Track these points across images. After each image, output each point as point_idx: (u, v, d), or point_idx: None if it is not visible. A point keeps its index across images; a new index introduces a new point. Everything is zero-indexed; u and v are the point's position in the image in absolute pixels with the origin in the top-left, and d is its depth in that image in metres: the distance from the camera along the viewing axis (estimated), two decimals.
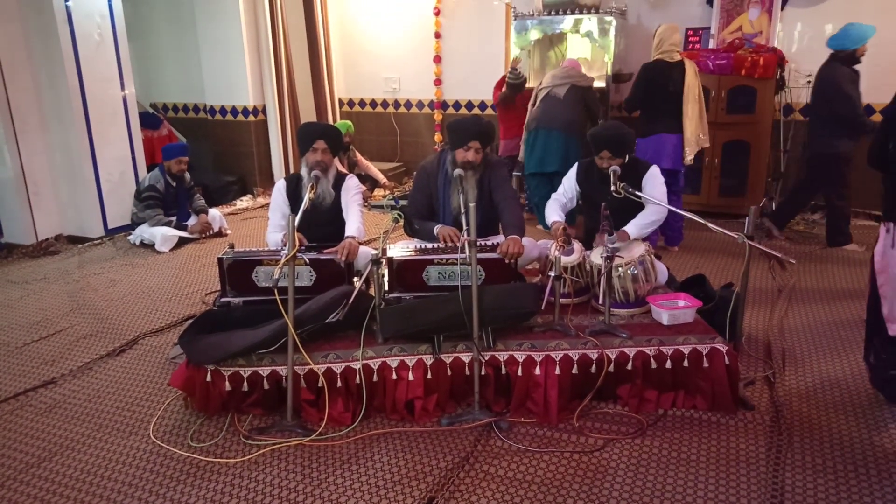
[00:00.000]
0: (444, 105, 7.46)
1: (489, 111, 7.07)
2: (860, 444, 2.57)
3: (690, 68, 4.77)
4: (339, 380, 2.75)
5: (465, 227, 2.84)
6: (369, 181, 6.80)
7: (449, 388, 2.84)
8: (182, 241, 5.45)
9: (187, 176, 5.64)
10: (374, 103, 7.85)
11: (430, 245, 3.33)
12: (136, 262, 5.08)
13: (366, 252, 3.32)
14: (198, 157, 6.86)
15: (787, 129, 5.86)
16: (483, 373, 2.78)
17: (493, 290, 2.83)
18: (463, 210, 2.94)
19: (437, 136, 7.52)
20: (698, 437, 2.63)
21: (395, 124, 7.75)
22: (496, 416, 2.76)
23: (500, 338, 2.84)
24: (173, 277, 4.72)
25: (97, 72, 5.54)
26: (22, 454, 2.66)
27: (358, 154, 6.90)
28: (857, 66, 4.76)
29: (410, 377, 2.76)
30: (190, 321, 3.32)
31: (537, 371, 2.75)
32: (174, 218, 5.52)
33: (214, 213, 5.83)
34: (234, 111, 7.08)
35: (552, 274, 2.91)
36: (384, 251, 3.07)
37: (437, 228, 3.44)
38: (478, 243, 2.74)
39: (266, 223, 3.73)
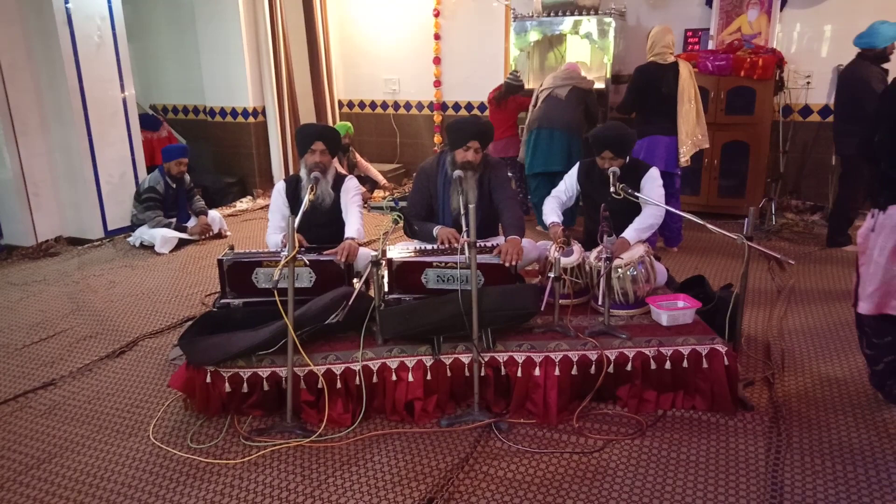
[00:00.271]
0: (443, 106, 7.47)
1: (488, 112, 7.08)
2: (859, 445, 2.57)
3: (685, 69, 4.76)
4: (338, 381, 2.75)
5: (464, 229, 2.85)
6: (369, 182, 6.81)
7: (448, 389, 2.84)
8: (182, 243, 5.46)
9: (187, 177, 5.65)
10: (373, 105, 7.86)
11: (429, 246, 3.33)
12: (136, 264, 5.08)
13: (365, 253, 3.33)
14: (197, 159, 6.87)
15: (786, 130, 5.86)
16: (483, 374, 2.78)
17: (492, 292, 2.84)
18: (462, 211, 2.95)
19: (437, 138, 7.53)
20: (698, 438, 2.63)
21: (394, 126, 7.76)
22: (496, 417, 2.76)
23: (500, 339, 2.85)
24: (173, 279, 4.72)
25: (97, 73, 5.54)
26: (21, 456, 2.66)
27: (358, 155, 6.91)
28: (885, 66, 4.72)
29: (410, 378, 2.76)
30: (190, 322, 3.33)
31: (537, 372, 2.75)
32: (174, 219, 5.52)
33: (214, 214, 5.83)
34: (234, 113, 7.09)
35: (552, 275, 2.92)
36: (384, 252, 3.07)
37: (436, 230, 3.44)
38: (477, 244, 2.74)
39: (266, 225, 3.73)
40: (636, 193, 3.22)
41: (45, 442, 2.75)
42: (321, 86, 7.36)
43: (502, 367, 2.80)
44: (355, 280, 3.16)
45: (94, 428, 2.84)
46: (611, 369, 2.80)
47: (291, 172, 6.98)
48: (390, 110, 7.77)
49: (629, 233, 3.35)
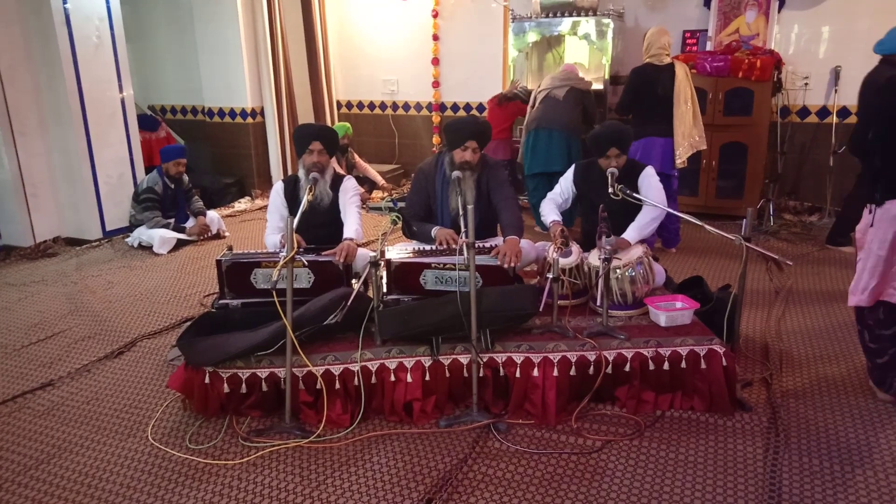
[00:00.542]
0: (442, 107, 7.48)
1: (486, 113, 7.08)
2: (857, 446, 2.58)
3: (681, 71, 4.76)
4: (337, 381, 2.75)
5: (463, 229, 2.85)
6: (367, 183, 6.81)
7: (447, 390, 2.85)
8: (180, 243, 5.45)
9: (185, 178, 5.65)
10: (372, 105, 7.86)
11: (428, 247, 3.34)
12: (135, 264, 5.08)
13: (364, 254, 3.33)
14: (196, 159, 6.87)
15: (784, 131, 5.87)
16: (481, 374, 2.78)
17: (491, 292, 2.84)
18: (461, 212, 2.95)
19: (436, 139, 7.53)
20: (696, 439, 2.64)
21: (393, 126, 7.76)
22: (494, 418, 2.76)
23: (499, 339, 2.85)
24: (171, 279, 4.72)
25: (95, 74, 5.54)
26: (20, 456, 2.66)
27: (356, 156, 6.91)
28: None
29: (409, 379, 2.76)
30: (188, 323, 3.32)
31: (535, 373, 2.76)
32: (172, 220, 5.52)
33: (213, 214, 5.83)
34: (233, 113, 7.09)
35: (550, 276, 2.92)
36: (382, 253, 3.08)
37: (434, 231, 3.44)
38: (476, 245, 2.75)
39: (264, 225, 3.73)
40: (635, 194, 3.22)
41: (43, 443, 2.75)
42: (320, 86, 7.36)
43: (501, 368, 2.81)
44: (354, 281, 3.16)
45: (93, 428, 2.84)
46: (609, 370, 2.80)
47: (290, 173, 6.98)
48: (389, 111, 7.77)
49: (630, 233, 3.35)
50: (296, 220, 2.80)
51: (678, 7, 6.17)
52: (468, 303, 2.69)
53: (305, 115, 7.34)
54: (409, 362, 2.78)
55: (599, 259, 2.94)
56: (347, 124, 6.87)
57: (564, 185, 3.69)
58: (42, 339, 3.76)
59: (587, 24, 5.90)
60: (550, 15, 6.05)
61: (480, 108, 7.21)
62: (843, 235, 5.01)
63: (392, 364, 2.78)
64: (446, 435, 2.70)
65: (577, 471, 2.45)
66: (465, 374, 2.81)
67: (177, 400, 2.97)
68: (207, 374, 2.75)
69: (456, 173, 3.38)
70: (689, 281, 3.63)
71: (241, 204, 6.94)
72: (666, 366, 2.80)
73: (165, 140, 7.17)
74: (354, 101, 7.94)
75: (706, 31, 6.06)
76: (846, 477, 2.39)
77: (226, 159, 7.31)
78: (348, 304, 2.79)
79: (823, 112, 5.85)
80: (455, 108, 7.42)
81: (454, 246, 3.22)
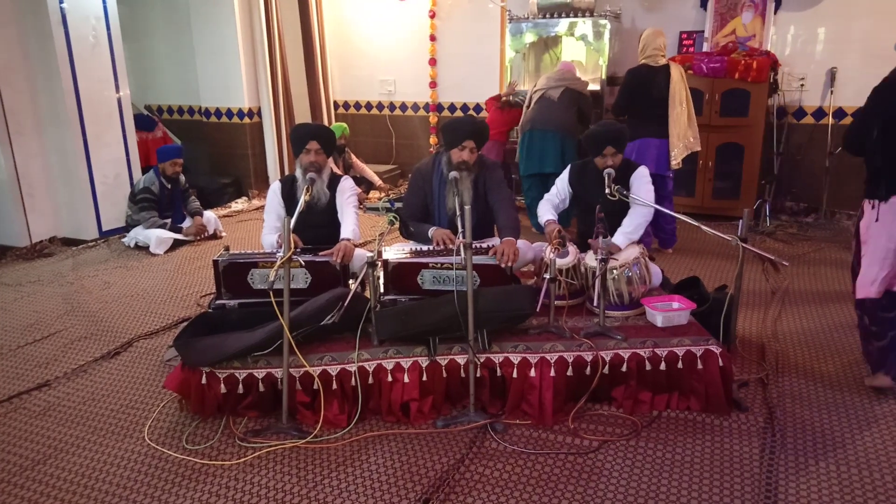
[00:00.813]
0: (439, 107, 7.48)
1: (484, 114, 7.09)
2: (853, 446, 2.59)
3: (676, 72, 4.77)
4: (334, 382, 2.75)
5: (460, 230, 2.85)
6: (364, 183, 6.81)
7: (444, 390, 2.85)
8: (177, 244, 5.45)
9: (182, 178, 5.64)
10: (369, 105, 7.86)
11: (425, 247, 3.34)
12: (131, 265, 5.07)
13: (361, 254, 3.34)
14: (193, 160, 6.86)
15: (780, 132, 5.89)
16: (478, 375, 2.78)
17: (488, 293, 2.84)
18: (458, 212, 2.95)
19: (433, 139, 7.53)
20: (692, 439, 2.64)
21: (390, 127, 7.76)
22: (491, 418, 2.76)
23: (496, 340, 2.85)
24: (168, 280, 4.71)
25: (92, 74, 5.53)
26: (16, 457, 2.65)
27: (353, 156, 6.90)
28: None
29: (406, 379, 2.76)
30: (185, 323, 3.32)
31: (532, 373, 2.76)
32: (169, 220, 5.51)
33: (209, 215, 5.82)
34: (230, 113, 7.08)
35: (547, 276, 2.92)
36: (380, 253, 3.08)
37: (431, 231, 3.44)
38: (473, 245, 2.75)
39: (261, 225, 3.73)
40: (631, 195, 3.22)
41: (39, 443, 2.74)
42: (317, 86, 7.36)
43: (498, 369, 2.81)
44: (351, 281, 3.16)
45: (89, 429, 2.84)
46: (606, 370, 2.80)
47: (287, 173, 6.98)
48: (386, 111, 7.77)
49: (618, 237, 3.33)
50: (293, 221, 2.80)
51: (675, 8, 6.19)
52: (465, 303, 2.69)
53: (302, 116, 7.33)
54: (406, 363, 2.78)
55: (596, 260, 2.94)
56: (344, 125, 6.87)
57: (560, 186, 3.70)
58: (38, 340, 3.75)
59: (584, 25, 5.91)
60: (547, 16, 6.06)
61: (478, 108, 7.22)
62: None
63: (389, 364, 2.78)
64: (443, 435, 2.70)
65: (573, 471, 2.46)
66: (463, 375, 2.81)
67: (173, 400, 2.96)
68: (204, 375, 2.75)
69: (453, 174, 3.38)
70: (686, 281, 3.64)
71: (238, 204, 6.93)
72: (662, 366, 2.80)
73: (162, 140, 7.16)
74: (351, 102, 7.93)
75: (703, 32, 6.08)
76: (842, 476, 2.40)
77: (223, 159, 7.30)
78: (345, 304, 2.79)
79: (819, 113, 5.87)
80: (452, 108, 7.42)
81: (451, 246, 3.22)
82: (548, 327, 2.95)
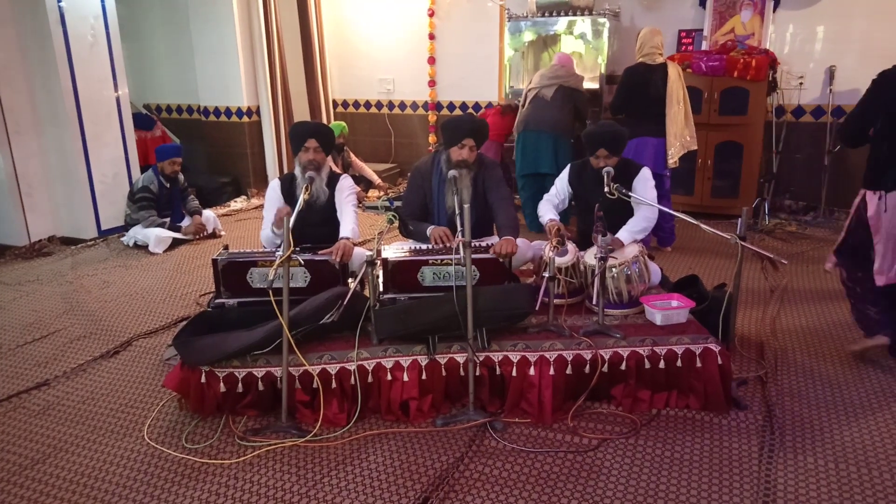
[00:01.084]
0: (438, 106, 7.48)
1: (483, 113, 7.09)
2: (851, 444, 2.59)
3: (673, 71, 4.77)
4: (333, 381, 2.75)
5: (459, 228, 2.85)
6: (363, 182, 6.81)
7: (444, 389, 2.85)
8: (176, 243, 5.44)
9: (181, 177, 5.64)
10: (368, 104, 7.86)
11: (424, 246, 3.34)
12: (130, 264, 5.07)
13: (360, 253, 3.33)
14: (192, 159, 6.85)
15: (779, 131, 5.89)
16: (478, 373, 2.78)
17: (487, 291, 2.85)
18: (457, 211, 2.95)
19: (432, 138, 7.53)
20: (691, 437, 2.64)
21: (389, 125, 7.76)
22: (491, 417, 2.77)
23: (495, 338, 2.85)
24: (167, 279, 4.71)
25: (91, 73, 5.52)
26: (15, 456, 2.65)
27: (352, 155, 6.90)
28: None
29: (405, 378, 2.76)
30: (184, 322, 3.32)
31: (532, 371, 2.76)
32: (168, 219, 5.51)
33: (208, 214, 5.82)
34: (228, 112, 7.07)
35: (546, 275, 2.92)
36: (379, 252, 3.08)
37: (429, 230, 3.44)
38: (471, 244, 2.75)
39: (260, 224, 3.73)
40: (630, 194, 3.23)
41: (38, 442, 2.74)
42: (316, 85, 7.36)
43: (497, 367, 2.81)
44: (350, 280, 3.16)
45: (89, 428, 2.84)
46: (605, 369, 2.81)
47: (286, 172, 6.96)
48: (385, 110, 7.77)
49: (623, 234, 3.36)
50: (292, 219, 2.80)
51: (674, 6, 6.19)
52: (464, 302, 2.69)
53: (301, 114, 7.33)
54: (405, 361, 2.78)
55: (595, 258, 2.94)
56: (343, 123, 6.87)
57: (560, 186, 3.70)
58: (37, 339, 3.75)
59: (583, 24, 5.91)
60: (546, 14, 6.06)
61: (476, 107, 7.23)
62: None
63: (388, 363, 2.78)
64: (443, 434, 2.70)
65: (573, 469, 2.46)
66: (462, 373, 2.81)
67: (173, 399, 2.97)
68: (204, 374, 2.75)
69: (452, 172, 3.37)
70: (685, 280, 3.64)
71: (237, 203, 6.93)
72: (661, 364, 2.81)
73: (161, 139, 7.15)
74: (350, 101, 7.93)
75: (701, 30, 6.08)
76: (840, 475, 2.40)
77: (221, 158, 7.29)
78: (345, 303, 2.79)
79: (818, 111, 5.87)
80: (451, 107, 7.42)
81: (447, 243, 3.22)
82: (547, 326, 2.95)
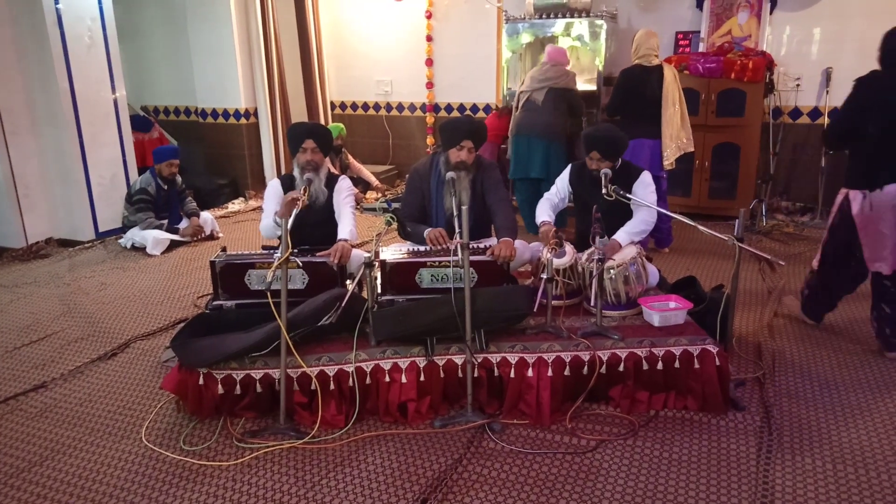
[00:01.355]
0: (436, 108, 7.48)
1: (481, 114, 7.10)
2: (849, 444, 2.60)
3: (669, 73, 4.77)
4: (331, 382, 2.75)
5: (457, 230, 2.85)
6: (361, 184, 6.81)
7: (442, 391, 2.85)
8: (174, 245, 5.44)
9: (179, 179, 5.63)
10: (366, 106, 7.86)
11: (422, 248, 3.34)
12: (128, 266, 5.06)
13: (358, 255, 3.34)
14: (189, 160, 6.85)
15: (776, 132, 5.91)
16: (476, 375, 2.79)
17: (485, 293, 2.85)
18: (455, 213, 2.96)
19: (430, 139, 7.54)
20: (689, 438, 2.65)
21: (387, 127, 7.76)
22: (489, 418, 2.77)
23: (493, 340, 2.85)
24: (165, 281, 4.70)
25: (88, 74, 5.52)
26: (13, 458, 2.64)
27: (350, 157, 6.90)
28: None
29: (403, 379, 2.76)
30: (182, 324, 3.31)
31: (530, 373, 2.76)
32: (165, 221, 5.50)
33: (206, 216, 5.82)
34: (226, 114, 7.07)
35: (544, 276, 2.93)
36: (377, 254, 3.08)
37: (426, 232, 3.44)
38: (469, 246, 2.75)
39: (258, 226, 3.72)
40: (628, 195, 3.23)
41: (36, 445, 2.74)
42: (313, 87, 7.35)
43: (495, 368, 2.81)
44: (348, 281, 3.16)
45: (86, 430, 2.83)
46: (603, 370, 2.81)
47: (283, 174, 6.96)
48: (382, 112, 7.77)
49: (620, 235, 3.35)
50: (290, 221, 2.80)
51: (671, 8, 6.20)
52: (462, 303, 2.69)
53: (299, 116, 7.33)
54: (403, 363, 2.78)
55: (593, 259, 2.95)
56: (341, 125, 6.87)
57: (560, 185, 3.71)
58: (35, 341, 3.74)
59: (580, 26, 5.91)
60: (544, 16, 6.06)
61: (474, 109, 7.23)
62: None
63: (387, 365, 2.78)
64: (441, 435, 2.70)
65: (571, 470, 2.46)
66: (460, 375, 2.81)
67: (171, 401, 2.96)
68: (202, 376, 2.75)
69: (450, 174, 3.37)
70: (683, 281, 3.65)
71: (235, 205, 6.92)
72: (659, 365, 2.81)
73: (158, 141, 7.15)
74: (348, 102, 7.93)
75: (698, 32, 6.09)
76: (838, 475, 2.41)
77: (219, 160, 7.29)
78: (343, 304, 2.79)
79: (815, 113, 5.89)
80: (449, 108, 7.43)
81: (443, 245, 3.22)
82: (545, 327, 2.95)
